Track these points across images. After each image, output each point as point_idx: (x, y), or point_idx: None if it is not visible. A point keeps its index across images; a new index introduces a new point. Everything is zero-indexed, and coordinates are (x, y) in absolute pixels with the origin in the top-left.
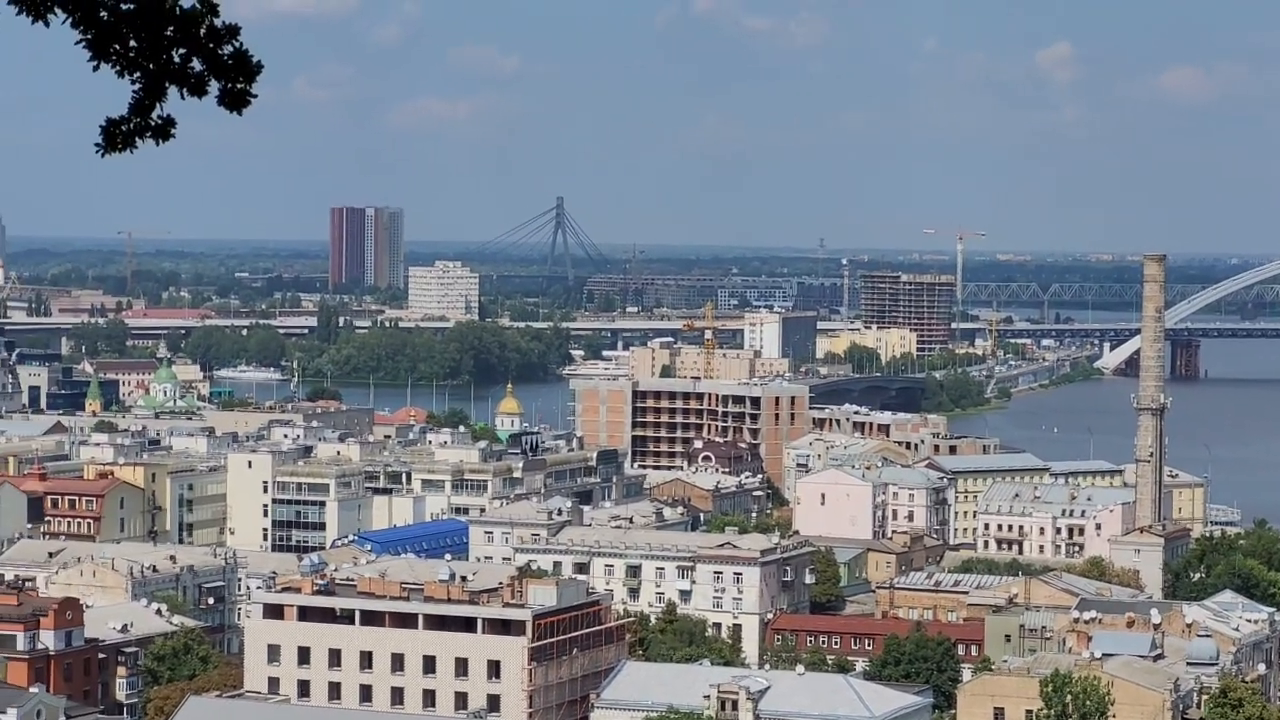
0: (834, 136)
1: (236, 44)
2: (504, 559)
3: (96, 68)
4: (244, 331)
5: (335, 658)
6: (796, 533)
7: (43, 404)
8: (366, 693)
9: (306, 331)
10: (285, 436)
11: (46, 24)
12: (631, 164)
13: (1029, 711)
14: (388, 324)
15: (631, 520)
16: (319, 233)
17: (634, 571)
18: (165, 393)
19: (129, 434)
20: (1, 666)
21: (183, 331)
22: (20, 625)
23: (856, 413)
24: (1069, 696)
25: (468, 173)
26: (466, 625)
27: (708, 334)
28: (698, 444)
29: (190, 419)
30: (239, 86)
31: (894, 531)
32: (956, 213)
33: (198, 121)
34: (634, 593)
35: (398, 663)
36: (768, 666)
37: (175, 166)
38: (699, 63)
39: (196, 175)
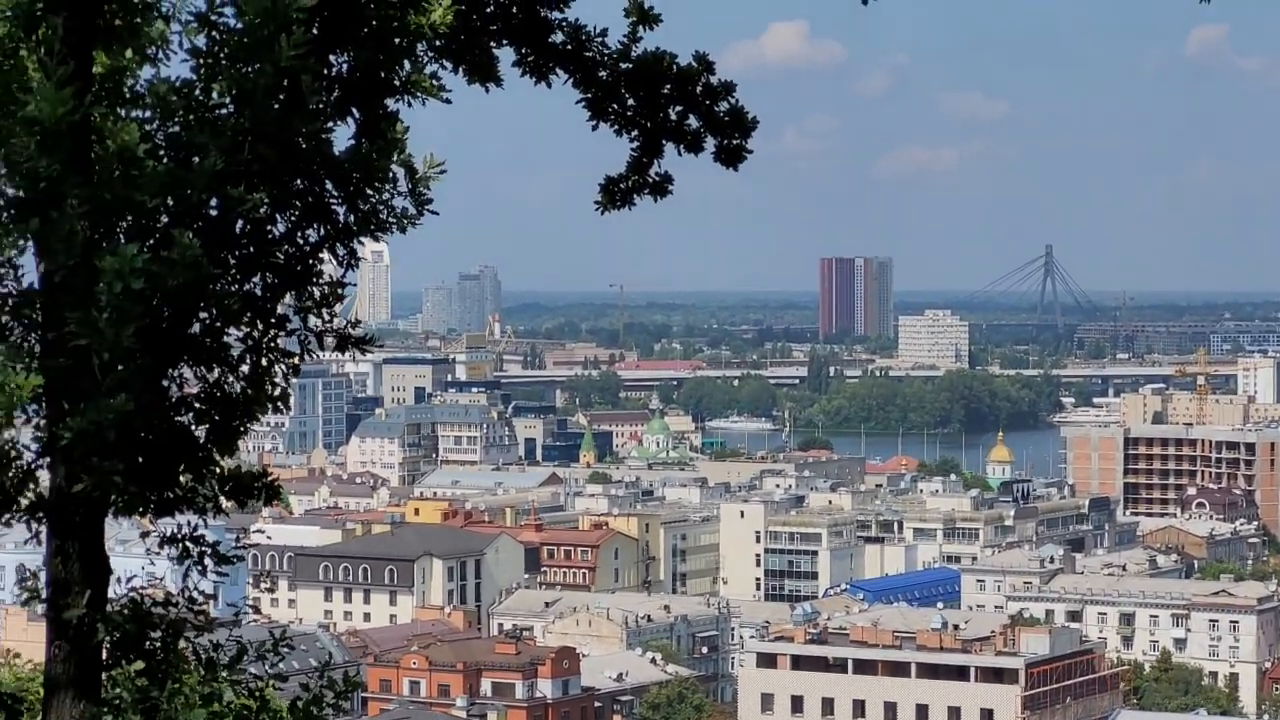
0: None
1: (732, 100)
2: (996, 607)
3: (595, 127)
4: (735, 382)
5: (828, 706)
6: None
7: (538, 455)
8: None
9: (797, 382)
10: (777, 486)
11: (549, 85)
12: (1121, 210)
13: None
14: (878, 373)
15: (1124, 568)
16: (809, 283)
17: (1127, 619)
18: (658, 444)
19: (623, 485)
20: (501, 714)
21: (674, 383)
22: (519, 674)
23: None
24: None
25: (956, 220)
26: (959, 674)
27: (1200, 380)
28: (1191, 491)
29: (683, 469)
30: (735, 142)
31: None
32: None
33: (687, 175)
34: (1127, 641)
35: (890, 711)
36: (1266, 716)
37: (666, 220)
38: (1190, 105)
39: (687, 228)
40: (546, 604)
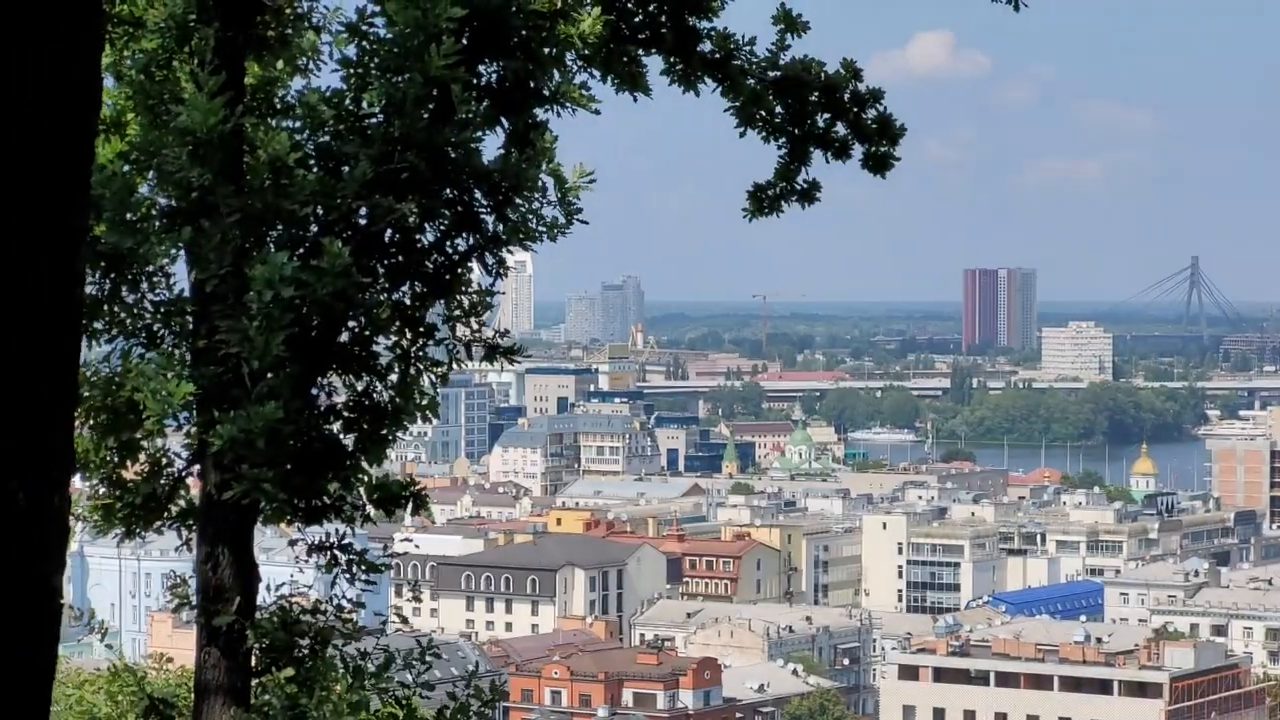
0: None
1: (880, 108)
2: (1140, 621)
3: (743, 134)
4: (878, 393)
5: (970, 719)
6: None
7: (680, 466)
8: None
9: (940, 393)
10: (919, 498)
11: (696, 93)
12: (1268, 220)
13: None
14: (1021, 385)
15: (1271, 582)
16: (952, 294)
17: (1274, 634)
18: (800, 455)
19: (765, 496)
20: None
21: (817, 394)
22: (660, 684)
23: None
24: None
25: (1100, 231)
26: (1102, 687)
27: None
28: None
29: (825, 481)
30: (882, 150)
31: None
32: None
33: (830, 185)
34: (1274, 656)
35: None
36: None
37: (809, 230)
38: None
39: (830, 238)
40: (688, 614)
